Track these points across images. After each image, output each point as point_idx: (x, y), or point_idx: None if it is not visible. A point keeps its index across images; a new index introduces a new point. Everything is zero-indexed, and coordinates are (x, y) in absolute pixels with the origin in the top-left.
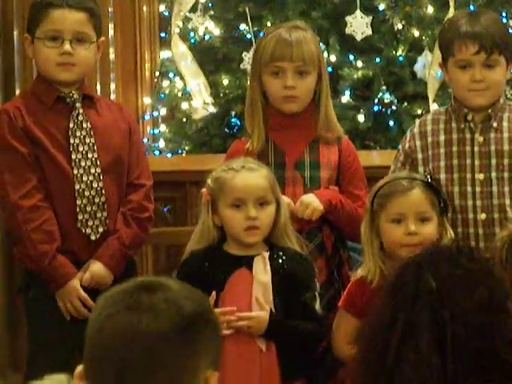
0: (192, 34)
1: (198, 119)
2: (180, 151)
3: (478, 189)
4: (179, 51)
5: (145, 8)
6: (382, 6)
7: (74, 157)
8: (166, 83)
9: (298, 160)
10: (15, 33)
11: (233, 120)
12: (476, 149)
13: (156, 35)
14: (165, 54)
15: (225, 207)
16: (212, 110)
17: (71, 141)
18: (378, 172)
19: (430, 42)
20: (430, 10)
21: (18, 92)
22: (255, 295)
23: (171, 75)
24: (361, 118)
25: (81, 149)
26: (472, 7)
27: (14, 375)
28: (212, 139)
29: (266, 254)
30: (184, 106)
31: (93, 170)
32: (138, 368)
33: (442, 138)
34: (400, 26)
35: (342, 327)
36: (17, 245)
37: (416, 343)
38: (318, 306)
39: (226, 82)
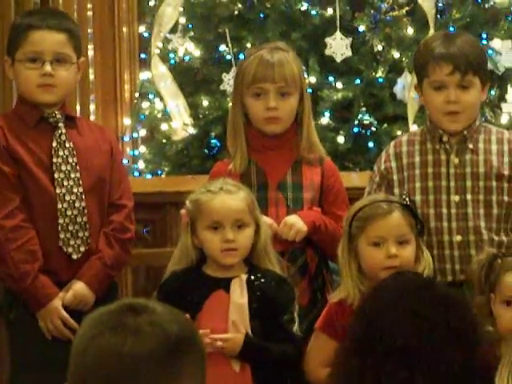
0: (172, 55)
1: (178, 140)
2: (160, 172)
3: (453, 210)
4: (159, 72)
5: (124, 29)
6: (361, 28)
7: (56, 176)
8: (145, 104)
9: (281, 181)
10: None
11: (212, 141)
12: (452, 170)
13: (136, 56)
14: (144, 75)
15: (203, 229)
16: (192, 131)
17: (54, 160)
18: (358, 193)
19: (409, 63)
20: (410, 31)
21: None
22: (231, 318)
23: (151, 96)
24: (340, 139)
25: (63, 168)
26: (452, 28)
27: None
28: (191, 160)
29: (244, 277)
30: (164, 127)
31: (75, 190)
32: None
33: (417, 159)
34: (380, 48)
35: (318, 349)
36: None
37: None
38: (296, 328)
39: (205, 103)
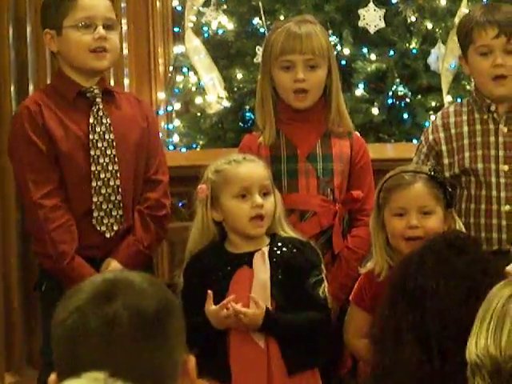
0: (205, 28)
1: (213, 114)
2: (194, 146)
3: (502, 180)
4: (193, 46)
5: (158, 3)
6: None
7: (92, 153)
8: (179, 78)
9: (311, 153)
10: (28, 29)
11: (247, 114)
12: (501, 139)
13: (169, 30)
14: (178, 49)
15: (229, 199)
16: (226, 104)
17: (91, 137)
18: (392, 165)
19: (443, 34)
20: (443, 2)
21: (31, 87)
22: (252, 293)
23: (185, 70)
24: (375, 110)
25: (100, 145)
26: (485, 0)
27: (30, 371)
28: (226, 133)
29: (266, 249)
30: (198, 100)
31: (110, 167)
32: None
33: (465, 129)
34: (413, 19)
35: (353, 321)
36: (35, 243)
37: (399, 344)
38: (323, 289)
39: (239, 76)
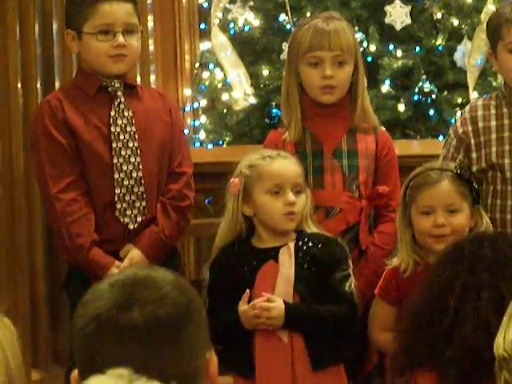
0: (232, 25)
1: (239, 110)
2: (221, 142)
3: None
4: (219, 42)
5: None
6: None
7: (114, 145)
8: (206, 74)
9: (336, 149)
10: (54, 25)
11: (273, 111)
12: None
13: (195, 26)
14: (204, 46)
15: (262, 194)
16: (252, 100)
17: (112, 129)
18: (419, 161)
19: (469, 30)
20: None
21: (57, 84)
22: (276, 290)
23: (211, 66)
24: (401, 107)
25: (121, 137)
26: None
27: (55, 368)
28: (252, 130)
29: (292, 244)
30: (224, 97)
31: (133, 159)
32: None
33: (493, 123)
34: (439, 15)
35: (378, 315)
36: (56, 237)
37: (475, 304)
38: (350, 284)
39: (265, 72)
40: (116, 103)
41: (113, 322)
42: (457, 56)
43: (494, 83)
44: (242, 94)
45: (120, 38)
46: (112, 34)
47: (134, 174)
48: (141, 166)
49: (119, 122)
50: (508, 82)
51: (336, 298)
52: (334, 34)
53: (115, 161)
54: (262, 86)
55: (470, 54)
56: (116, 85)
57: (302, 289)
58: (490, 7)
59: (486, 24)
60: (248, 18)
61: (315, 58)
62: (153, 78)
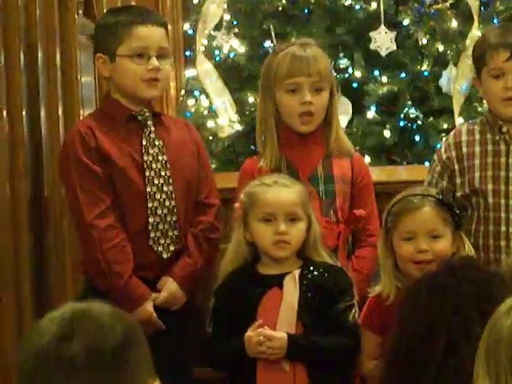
0: (217, 51)
1: (225, 137)
2: None
3: (511, 202)
4: (204, 69)
5: (169, 26)
6: (406, 21)
7: (147, 174)
8: (191, 102)
9: (312, 175)
10: (40, 54)
11: None
12: (511, 161)
13: (181, 54)
14: (190, 73)
15: (255, 221)
16: (238, 127)
17: (145, 158)
18: (404, 187)
19: (454, 56)
20: (454, 24)
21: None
22: (279, 316)
23: (197, 93)
24: (387, 133)
25: (154, 166)
26: (496, 21)
27: None
28: (238, 157)
29: (297, 272)
30: (210, 124)
31: (165, 188)
32: None
33: (477, 149)
34: (424, 41)
35: (364, 344)
36: (87, 263)
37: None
38: (353, 315)
39: (251, 99)
40: (147, 132)
41: (52, 355)
42: (442, 82)
43: (480, 109)
44: (227, 120)
45: (155, 62)
46: (146, 57)
47: (167, 203)
48: (173, 195)
49: (151, 151)
50: (492, 107)
51: (339, 328)
52: (312, 59)
53: (148, 189)
54: (247, 112)
55: (456, 80)
56: (146, 114)
57: (306, 317)
58: (476, 33)
59: (471, 50)
60: (233, 45)
61: (294, 84)
62: None
